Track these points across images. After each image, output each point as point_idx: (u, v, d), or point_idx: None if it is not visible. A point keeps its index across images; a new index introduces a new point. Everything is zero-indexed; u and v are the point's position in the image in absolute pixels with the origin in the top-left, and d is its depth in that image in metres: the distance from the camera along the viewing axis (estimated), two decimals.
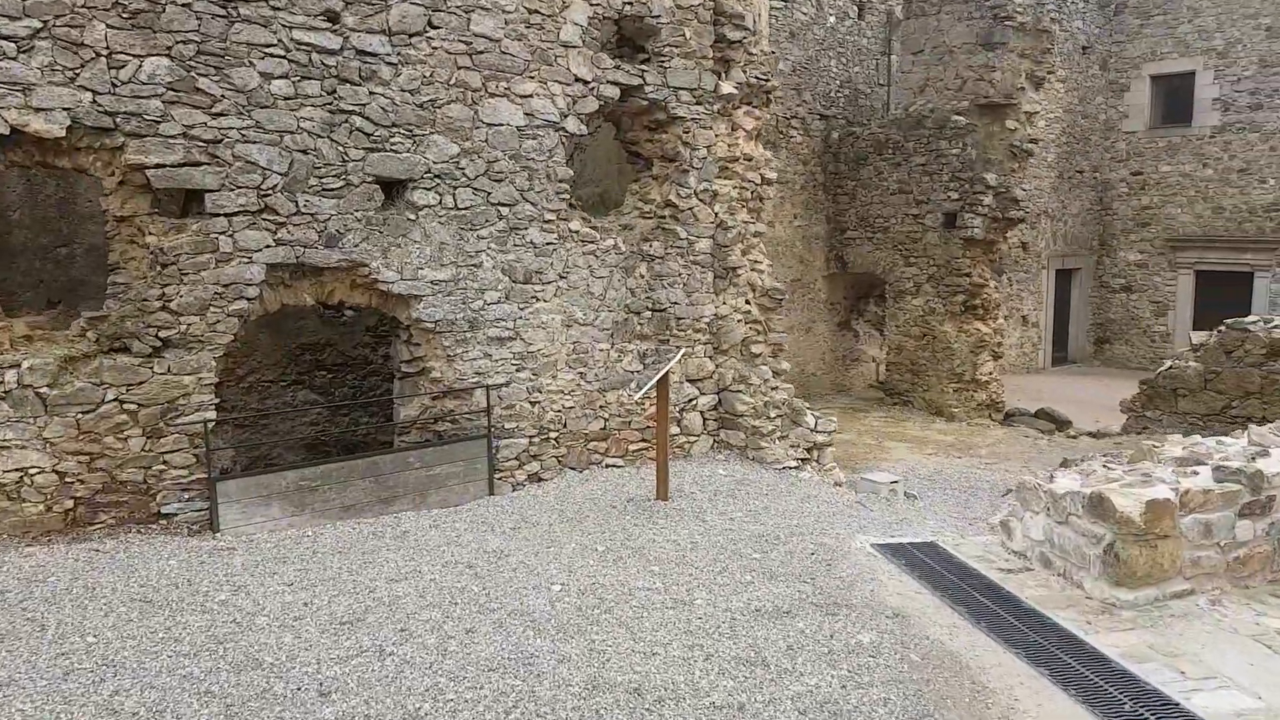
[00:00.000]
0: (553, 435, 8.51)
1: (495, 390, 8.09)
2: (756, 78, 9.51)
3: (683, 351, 7.90)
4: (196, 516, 6.77)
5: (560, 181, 8.33)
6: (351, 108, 7.17)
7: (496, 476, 8.10)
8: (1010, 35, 14.71)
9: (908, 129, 15.57)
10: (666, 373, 7.55)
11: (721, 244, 9.41)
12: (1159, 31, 20.34)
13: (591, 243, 8.60)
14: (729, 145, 9.39)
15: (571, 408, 8.61)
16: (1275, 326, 12.15)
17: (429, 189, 7.60)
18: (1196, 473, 5.91)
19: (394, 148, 7.40)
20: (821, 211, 16.47)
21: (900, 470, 10.79)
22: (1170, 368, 13.05)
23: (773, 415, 9.34)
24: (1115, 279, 21.66)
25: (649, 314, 9.03)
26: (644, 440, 9.10)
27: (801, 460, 9.26)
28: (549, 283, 8.36)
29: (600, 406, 8.79)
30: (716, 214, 9.39)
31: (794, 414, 9.46)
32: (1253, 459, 6.07)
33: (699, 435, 9.43)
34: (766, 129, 10.97)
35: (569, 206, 8.48)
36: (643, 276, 8.96)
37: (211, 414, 6.84)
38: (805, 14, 15.91)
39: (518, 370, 8.23)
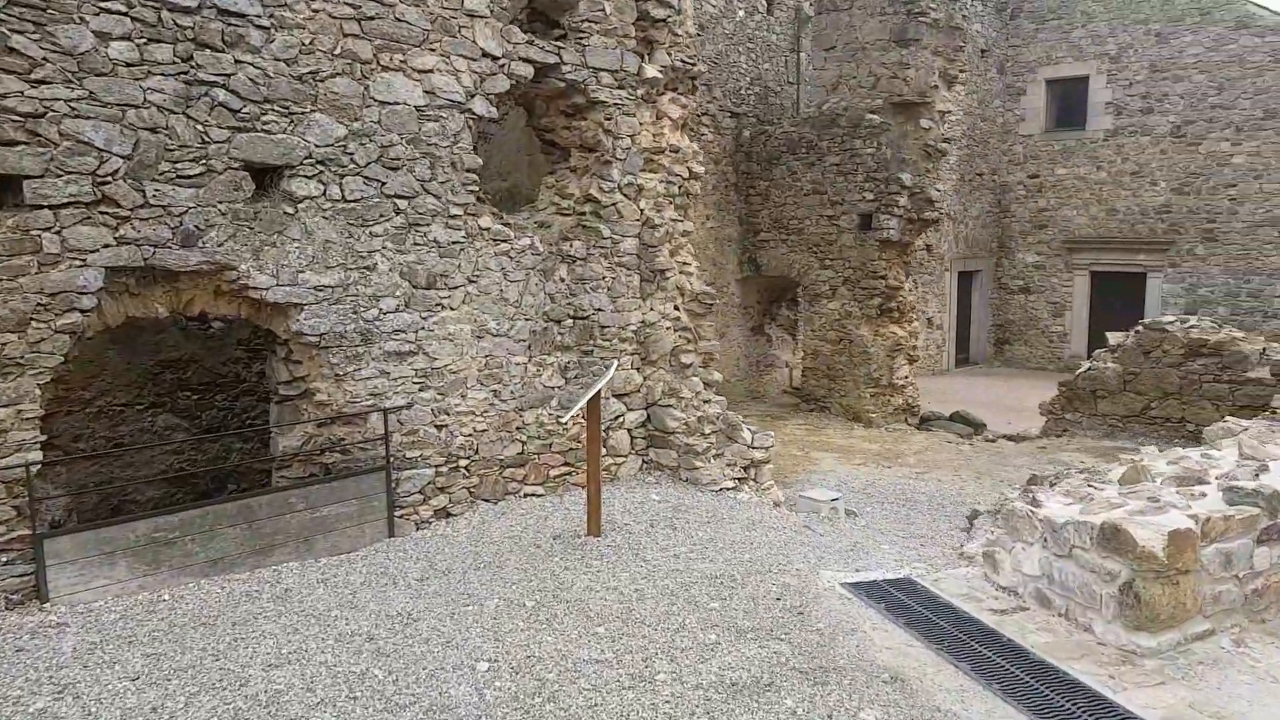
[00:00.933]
0: (463, 463, 7.38)
1: (394, 414, 6.92)
2: (682, 61, 8.61)
3: (615, 365, 6.93)
4: (18, 584, 5.38)
5: (468, 171, 7.22)
6: (213, 78, 5.90)
7: (397, 514, 6.92)
8: (924, 32, 14.29)
9: (821, 128, 15.00)
10: (599, 390, 6.54)
11: (648, 244, 8.46)
12: (1053, 36, 20.50)
13: (505, 242, 7.51)
14: (654, 135, 8.46)
15: (484, 431, 7.50)
16: (1192, 326, 12.02)
17: (310, 177, 6.39)
18: (1204, 494, 5.28)
19: (266, 128, 6.16)
20: (734, 212, 15.75)
21: (833, 483, 10.09)
22: (1089, 369, 12.81)
23: (707, 432, 8.44)
24: (1014, 280, 21.76)
25: (570, 322, 8.01)
26: (567, 464, 8.06)
27: (738, 480, 8.40)
28: (456, 288, 7.23)
29: (517, 428, 7.71)
30: (642, 211, 8.43)
31: (730, 430, 8.59)
32: (1256, 475, 5.49)
33: (626, 456, 8.45)
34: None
35: (478, 200, 7.38)
36: (563, 280, 7.93)
37: (36, 454, 5.46)
38: (714, 7, 15.17)
39: (421, 390, 7.08)
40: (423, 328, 7.05)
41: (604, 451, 8.25)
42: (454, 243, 7.18)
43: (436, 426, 7.18)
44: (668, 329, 8.67)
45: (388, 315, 6.84)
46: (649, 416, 8.62)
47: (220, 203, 5.97)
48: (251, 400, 9.75)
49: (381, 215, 6.76)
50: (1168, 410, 12.03)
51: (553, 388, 7.91)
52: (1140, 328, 12.40)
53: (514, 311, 7.59)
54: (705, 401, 8.73)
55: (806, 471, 10.94)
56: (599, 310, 8.15)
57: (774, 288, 16.71)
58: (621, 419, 8.41)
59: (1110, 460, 11.47)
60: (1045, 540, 5.03)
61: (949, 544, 7.57)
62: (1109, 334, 13.16)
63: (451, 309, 7.21)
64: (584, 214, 8.15)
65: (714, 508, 7.64)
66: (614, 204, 8.19)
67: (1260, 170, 17.89)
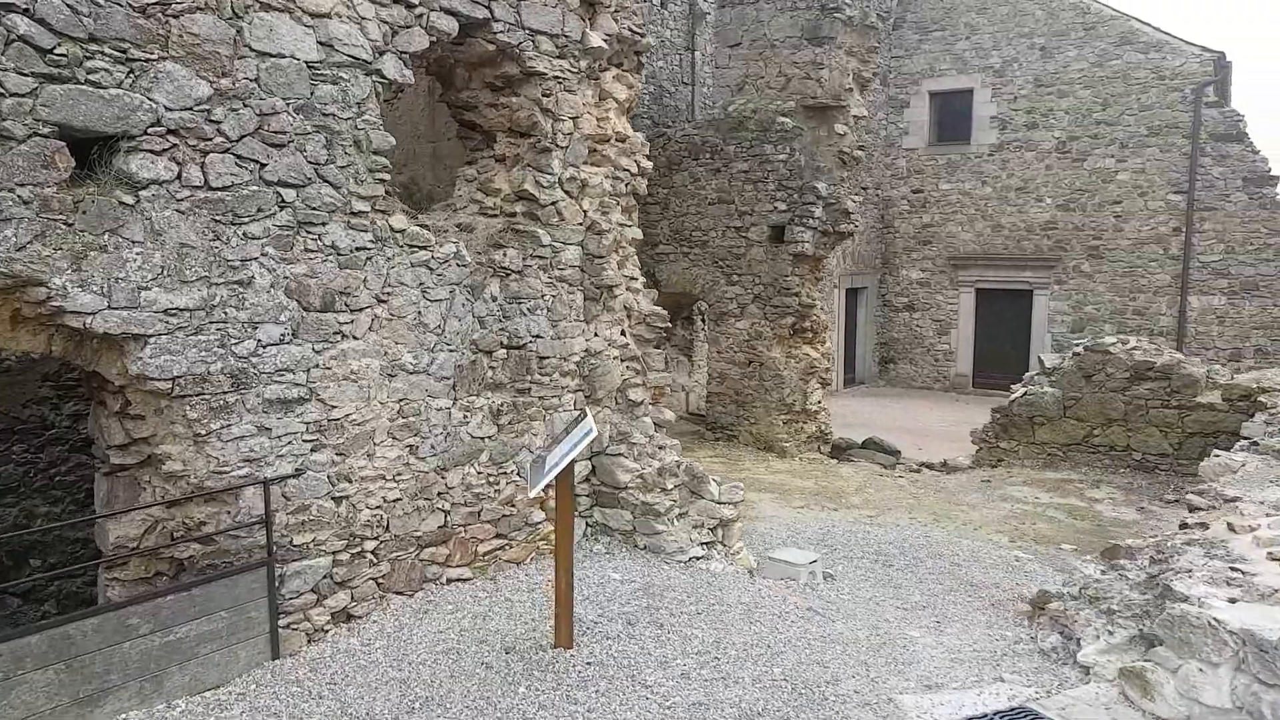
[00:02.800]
0: (369, 546, 5.50)
1: (278, 485, 4.99)
2: (630, 30, 7.04)
3: (588, 421, 5.18)
4: None
5: (376, 154, 5.38)
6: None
7: (284, 625, 5.00)
8: (839, 29, 13.29)
9: (727, 131, 13.74)
10: (573, 453, 4.83)
11: (594, 254, 6.82)
12: (937, 48, 20.17)
13: (424, 249, 5.70)
14: (598, 120, 6.85)
15: (396, 500, 5.64)
16: (1134, 348, 11.44)
17: (159, 153, 4.42)
18: None
19: (94, 79, 4.17)
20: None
21: (784, 534, 8.71)
22: (1025, 394, 12.06)
23: (669, 486, 6.85)
24: (899, 298, 21.29)
25: (504, 353, 6.26)
26: (500, 536, 6.30)
27: (706, 544, 6.86)
28: (361, 309, 5.37)
29: (439, 493, 5.89)
30: (586, 213, 6.79)
31: (694, 482, 7.03)
32: None
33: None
34: None
35: (388, 194, 5.55)
36: (494, 299, 6.17)
37: None
38: None
39: (314, 450, 5.17)
40: (317, 365, 5.15)
41: (542, 516, 6.55)
42: (359, 249, 5.33)
43: (335, 499, 5.29)
44: (615, 358, 7.05)
45: (269, 349, 4.92)
46: (593, 469, 6.97)
47: (20, 186, 3.94)
48: (61, 450, 7.56)
49: (260, 210, 4.84)
50: (1112, 438, 11.37)
51: (482, 438, 6.14)
52: (1080, 349, 11.73)
53: (435, 340, 5.78)
54: (661, 448, 7.15)
55: (749, 519, 9.50)
56: (537, 337, 6.44)
57: (670, 305, 15.32)
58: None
59: (1063, 494, 10.73)
60: (1245, 662, 3.73)
61: (981, 626, 6.28)
62: (1043, 355, 12.48)
63: (355, 338, 5.34)
64: (514, 215, 6.43)
65: (693, 588, 6.06)
66: (554, 203, 6.51)
67: (1145, 187, 18.00)
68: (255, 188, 4.80)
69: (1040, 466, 11.77)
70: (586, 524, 6.93)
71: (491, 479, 6.17)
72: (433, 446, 5.80)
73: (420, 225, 5.74)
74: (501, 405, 6.23)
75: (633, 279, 7.22)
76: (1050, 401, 11.75)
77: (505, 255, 6.21)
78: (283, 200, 4.93)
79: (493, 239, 6.24)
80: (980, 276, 20.11)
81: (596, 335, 6.98)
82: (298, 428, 5.07)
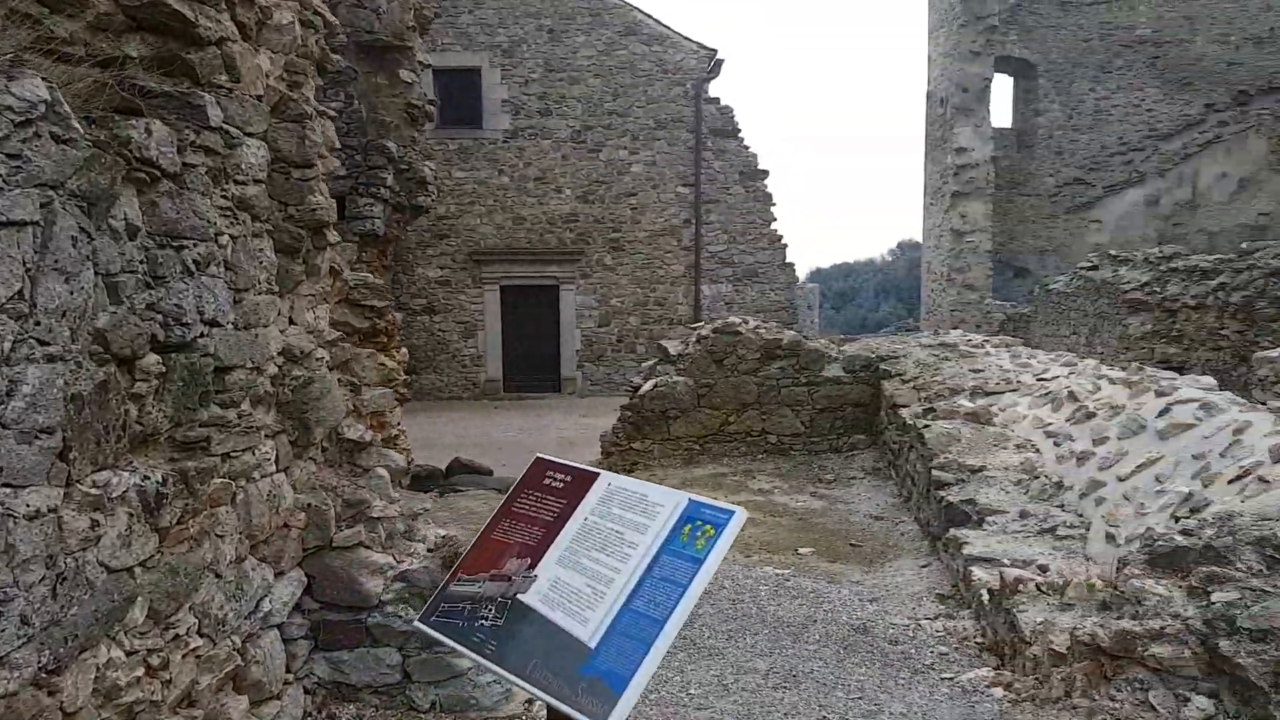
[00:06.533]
0: None
1: None
2: None
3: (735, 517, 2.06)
4: None
5: None
6: None
7: None
8: None
9: None
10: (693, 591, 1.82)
11: (292, 158, 3.47)
12: (440, 19, 18.13)
13: None
14: None
15: None
16: (759, 326, 10.72)
17: None
18: None
19: None
20: None
21: None
22: (656, 386, 10.66)
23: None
24: (416, 299, 18.86)
25: (156, 360, 2.68)
26: None
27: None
28: None
29: None
30: (269, 76, 3.41)
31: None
32: None
33: (279, 692, 3.34)
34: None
35: None
36: (132, 233, 2.59)
37: None
38: None
39: None
40: None
41: (224, 697, 3.09)
42: None
43: None
44: (323, 363, 3.77)
45: None
46: (312, 582, 3.61)
47: None
48: None
49: None
50: (748, 423, 10.50)
51: (132, 570, 2.54)
52: (709, 332, 10.68)
53: (9, 333, 2.12)
54: (416, 516, 4.07)
55: None
56: (212, 324, 2.96)
57: None
58: (264, 602, 3.30)
59: (731, 491, 9.34)
60: None
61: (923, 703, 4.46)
62: (665, 342, 11.22)
63: None
64: (140, 60, 2.87)
65: None
66: (220, 40, 3.07)
67: (657, 180, 18.12)
68: None
69: (683, 464, 10.48)
70: (305, 689, 3.55)
71: (155, 659, 2.61)
72: (23, 619, 2.12)
73: None
74: (162, 484, 2.66)
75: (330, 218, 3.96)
76: (683, 391, 10.52)
77: (147, 134, 2.65)
78: None
79: (114, 99, 2.64)
80: (505, 273, 18.61)
81: (293, 323, 3.64)
82: None
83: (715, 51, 17.87)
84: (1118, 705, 4.06)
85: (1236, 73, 20.03)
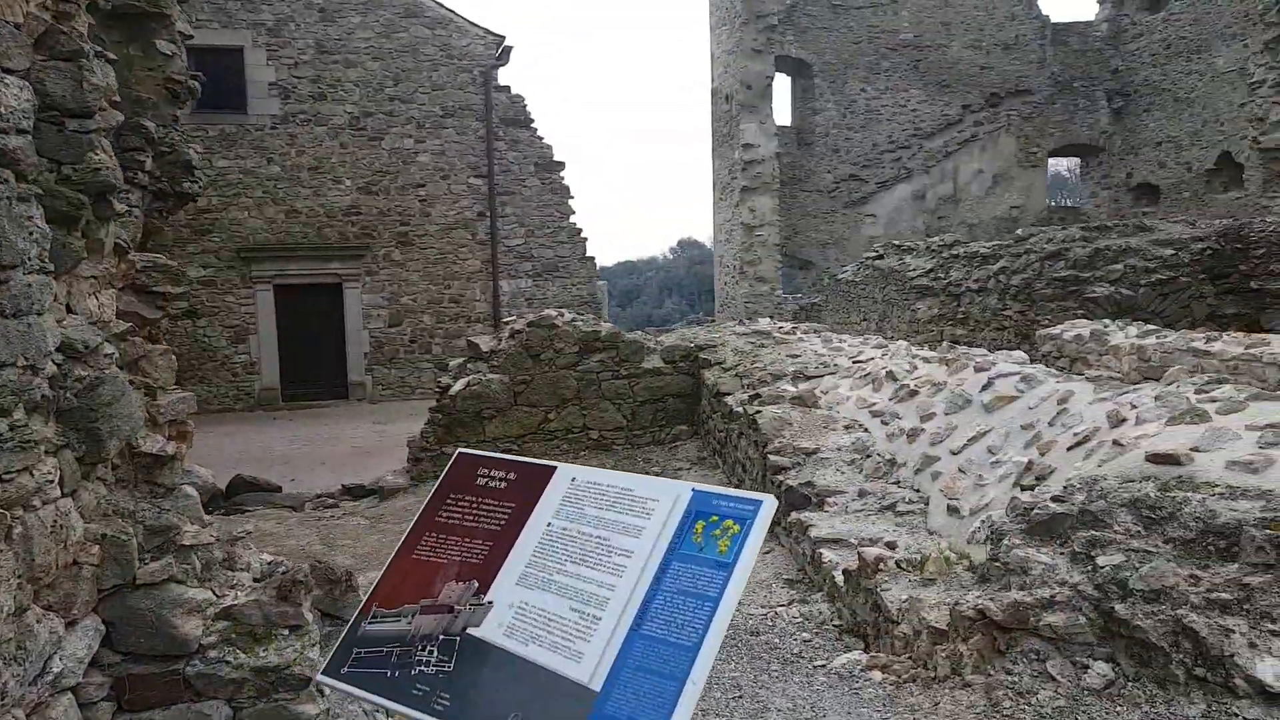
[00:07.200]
0: None
1: None
2: None
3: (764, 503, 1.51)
4: None
5: None
6: None
7: None
8: None
9: None
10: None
11: (66, 106, 2.67)
12: None
13: None
14: None
15: None
16: (575, 319, 10.29)
17: None
18: None
19: None
20: None
21: None
22: (469, 385, 9.97)
23: (300, 621, 3.10)
24: (176, 302, 16.90)
25: None
26: None
27: None
28: None
29: None
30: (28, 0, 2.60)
31: (333, 592, 3.37)
32: None
33: None
34: None
35: None
36: None
37: None
38: None
39: None
40: None
41: None
42: None
43: None
44: (113, 360, 2.98)
45: None
46: (112, 629, 2.82)
47: None
48: None
49: None
50: (568, 419, 10.05)
51: None
52: (522, 327, 10.11)
53: None
54: (236, 540, 3.34)
55: None
56: None
57: None
58: (49, 668, 2.51)
59: None
60: None
61: None
62: (476, 338, 10.54)
63: None
64: None
65: None
66: None
67: (447, 170, 17.27)
68: None
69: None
70: None
71: None
72: None
73: None
74: None
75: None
76: (498, 389, 9.92)
77: None
78: None
79: None
80: (280, 270, 17.07)
81: (71, 312, 2.84)
82: None
83: (503, 38, 17.26)
84: (1015, 678, 3.97)
85: (988, 76, 21.88)
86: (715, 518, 1.58)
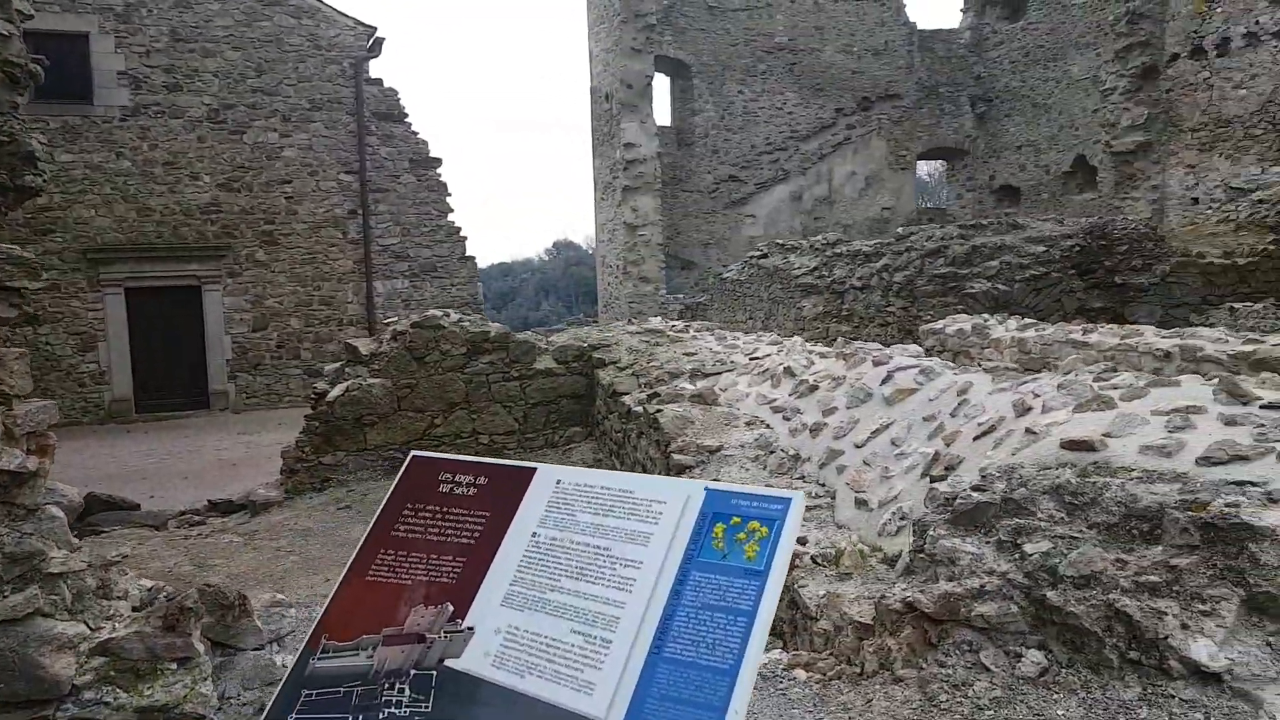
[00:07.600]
0: None
1: None
2: None
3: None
4: None
5: None
6: None
7: None
8: None
9: None
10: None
11: None
12: None
13: None
14: None
15: None
16: (462, 320, 9.88)
17: None
18: None
19: None
20: None
21: None
22: (348, 391, 9.43)
23: (189, 653, 2.73)
24: (10, 310, 15.50)
25: None
26: None
27: None
28: None
29: None
30: None
31: (225, 620, 2.99)
32: None
33: None
34: None
35: None
36: None
37: None
38: None
39: None
40: None
41: None
42: None
43: None
44: None
45: None
46: None
47: None
48: None
49: None
50: (457, 424, 9.65)
51: None
52: (405, 328, 9.63)
53: None
54: (111, 565, 2.95)
55: None
56: None
57: None
58: None
59: None
60: None
61: None
62: (354, 341, 9.96)
63: None
64: None
65: None
66: None
67: (315, 166, 16.46)
68: None
69: (384, 475, 9.37)
70: None
71: None
72: None
73: None
74: None
75: None
76: (380, 394, 9.43)
77: None
78: None
79: None
80: (132, 273, 15.89)
81: None
82: None
83: (375, 29, 16.59)
84: (950, 671, 3.91)
85: (860, 80, 22.50)
86: (737, 519, 1.37)
